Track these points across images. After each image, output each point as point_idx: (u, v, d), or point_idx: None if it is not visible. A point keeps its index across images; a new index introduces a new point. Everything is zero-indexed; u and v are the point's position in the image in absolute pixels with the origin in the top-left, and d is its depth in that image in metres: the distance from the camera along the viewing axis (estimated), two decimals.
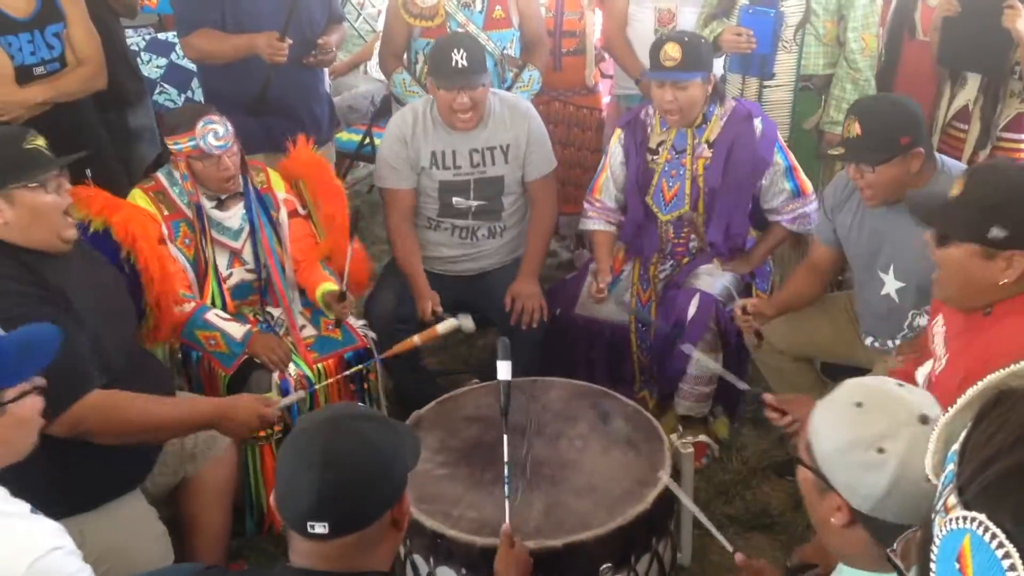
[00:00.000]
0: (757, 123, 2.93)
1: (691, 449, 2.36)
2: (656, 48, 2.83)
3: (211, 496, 2.43)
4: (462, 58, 2.83)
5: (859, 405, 1.29)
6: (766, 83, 3.27)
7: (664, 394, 3.10)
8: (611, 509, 2.03)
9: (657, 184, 3.03)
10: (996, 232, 1.70)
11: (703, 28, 3.29)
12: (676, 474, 2.23)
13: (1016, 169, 1.84)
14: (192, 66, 3.84)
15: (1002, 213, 1.70)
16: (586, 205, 3.15)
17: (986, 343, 1.76)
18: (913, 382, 1.95)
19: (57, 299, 2.04)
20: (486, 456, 2.22)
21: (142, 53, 4.27)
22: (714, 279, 3.00)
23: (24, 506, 1.50)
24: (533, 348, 3.06)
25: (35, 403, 1.57)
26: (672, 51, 2.78)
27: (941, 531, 0.67)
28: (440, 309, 2.99)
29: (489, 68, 3.27)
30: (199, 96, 3.79)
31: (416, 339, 2.70)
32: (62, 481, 1.98)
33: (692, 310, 2.91)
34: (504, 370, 2.15)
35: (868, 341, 2.63)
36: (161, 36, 4.35)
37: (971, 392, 0.73)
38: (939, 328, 1.96)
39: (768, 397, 2.16)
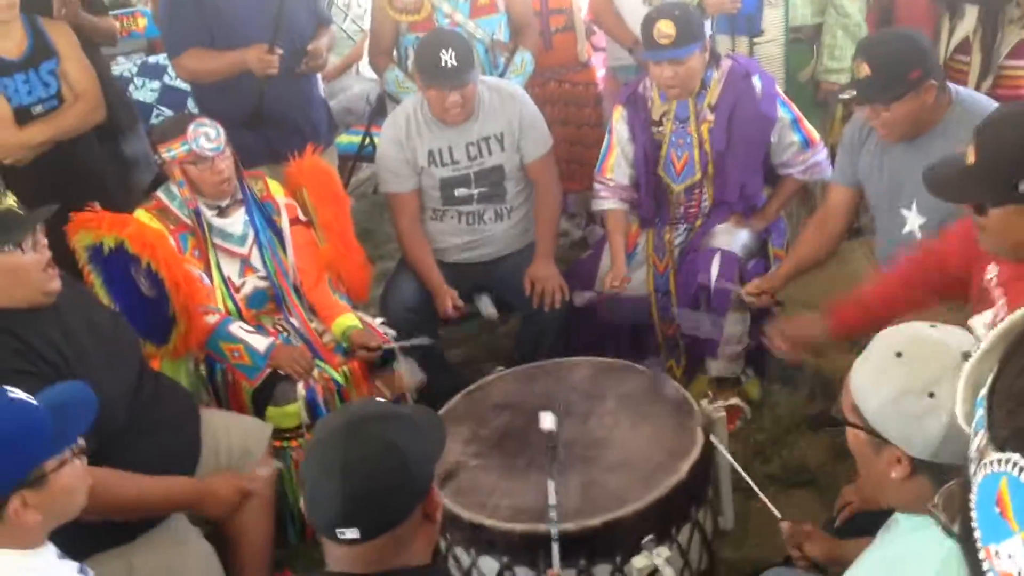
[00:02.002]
0: (755, 80, 2.90)
1: (723, 414, 2.36)
2: (648, 25, 2.78)
3: (251, 508, 2.43)
4: (451, 57, 2.80)
5: (899, 355, 1.29)
6: (756, 40, 3.24)
7: (692, 361, 3.09)
8: (646, 483, 2.03)
9: (667, 155, 3.00)
10: None
11: None
12: (710, 441, 2.23)
13: (1018, 115, 1.79)
14: (186, 86, 3.86)
15: (1022, 166, 1.65)
16: (597, 185, 3.11)
17: None
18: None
19: (50, 359, 1.98)
20: (517, 442, 2.23)
21: (135, 79, 4.29)
22: (732, 236, 2.98)
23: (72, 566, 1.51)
24: (557, 329, 3.06)
25: (76, 469, 1.56)
26: (666, 28, 2.73)
27: (977, 477, 0.67)
28: (460, 303, 3.00)
29: (480, 55, 3.27)
30: None
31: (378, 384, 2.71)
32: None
33: (715, 269, 2.88)
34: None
35: None
36: (152, 60, 4.37)
37: (993, 335, 0.72)
38: (992, 275, 1.91)
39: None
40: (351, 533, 1.32)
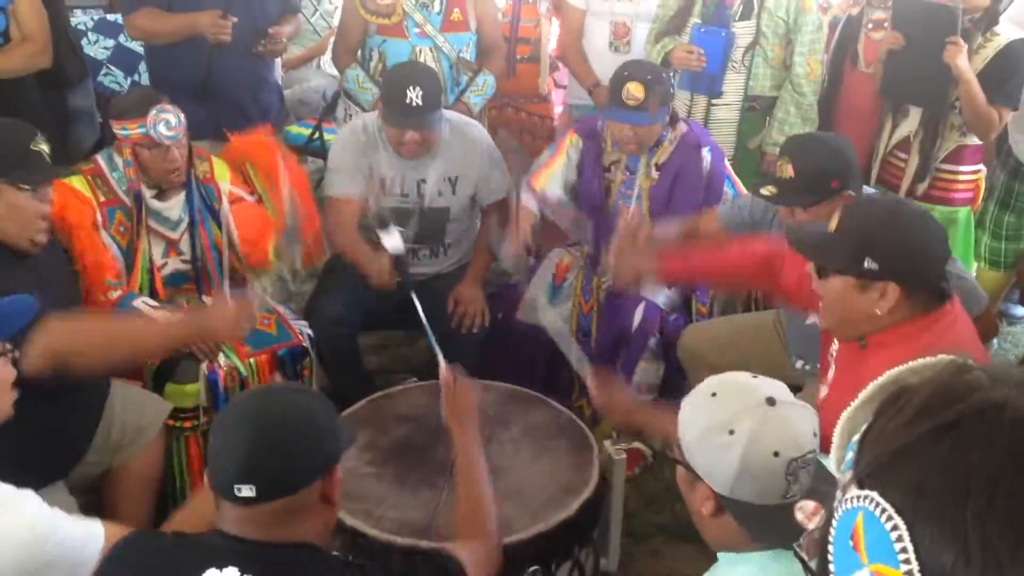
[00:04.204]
0: (705, 153, 2.93)
1: (623, 456, 2.38)
2: (618, 83, 2.78)
3: (136, 487, 2.39)
4: (417, 96, 2.72)
5: (714, 395, 1.43)
6: (714, 102, 3.32)
7: None
8: (535, 515, 2.04)
9: (615, 203, 3.03)
10: (869, 264, 1.77)
11: (654, 44, 3.33)
12: (605, 481, 2.25)
13: (889, 203, 1.94)
14: (140, 50, 3.78)
15: (873, 246, 1.77)
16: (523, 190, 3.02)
17: (861, 376, 1.80)
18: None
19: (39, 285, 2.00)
20: (414, 457, 2.22)
21: (89, 33, 4.18)
22: (658, 287, 3.02)
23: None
24: (472, 352, 3.05)
25: (6, 368, 1.57)
26: (635, 91, 2.73)
27: (838, 513, 0.70)
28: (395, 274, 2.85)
29: (444, 71, 3.28)
30: (146, 80, 3.73)
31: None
32: None
33: (637, 318, 2.93)
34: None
35: (799, 364, 2.66)
36: (110, 17, 4.27)
37: (872, 387, 0.77)
38: (834, 353, 2.02)
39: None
40: (247, 490, 1.33)
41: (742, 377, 1.47)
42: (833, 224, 1.85)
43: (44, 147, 2.13)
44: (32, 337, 1.92)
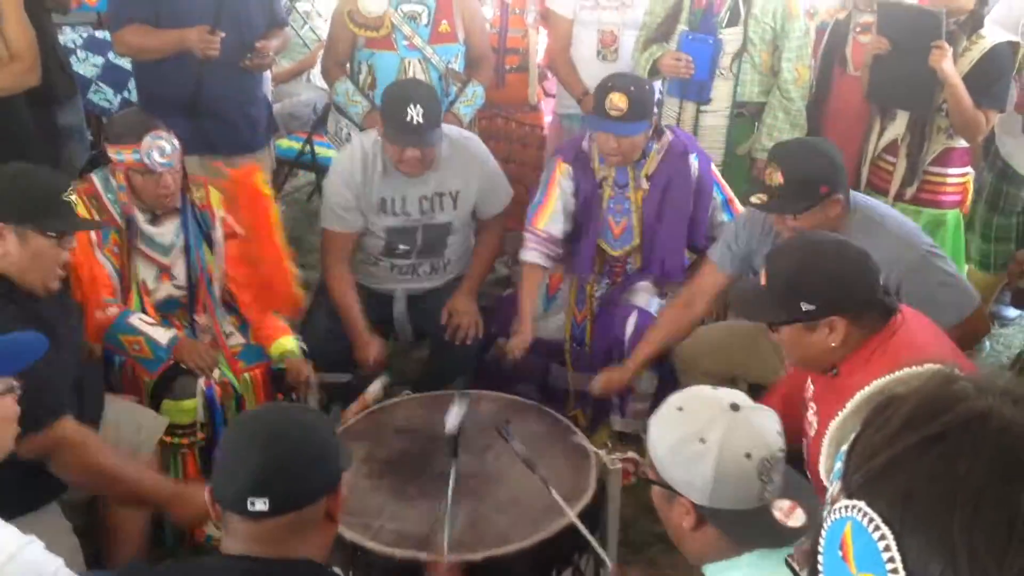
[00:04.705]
0: (692, 160, 2.95)
1: (619, 466, 2.37)
2: (601, 94, 2.80)
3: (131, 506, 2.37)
4: (418, 114, 2.73)
5: (680, 409, 1.48)
6: (703, 108, 3.34)
7: (598, 412, 3.12)
8: (534, 523, 2.03)
9: (604, 220, 3.04)
10: (806, 306, 1.82)
11: (643, 52, 3.35)
12: (603, 490, 2.25)
13: (805, 244, 1.97)
14: (129, 66, 3.78)
15: (802, 290, 1.83)
16: (526, 235, 3.06)
17: (840, 403, 1.82)
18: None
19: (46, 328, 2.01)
20: (412, 468, 2.21)
21: (78, 51, 4.19)
22: (651, 296, 3.03)
23: None
24: (467, 364, 3.06)
25: (11, 405, 1.59)
26: (618, 101, 2.75)
27: (827, 523, 0.71)
28: (382, 356, 2.95)
29: (434, 81, 3.29)
30: (135, 97, 3.73)
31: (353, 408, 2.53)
32: None
33: (630, 328, 2.93)
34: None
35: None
36: (99, 34, 4.28)
37: (859, 397, 0.78)
38: (809, 392, 2.04)
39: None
40: (261, 504, 1.35)
41: (703, 390, 1.54)
42: (762, 280, 1.92)
43: (75, 198, 2.17)
44: (46, 428, 1.96)
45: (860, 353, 1.85)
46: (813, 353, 1.89)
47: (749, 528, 1.41)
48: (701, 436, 1.41)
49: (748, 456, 1.40)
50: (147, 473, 2.20)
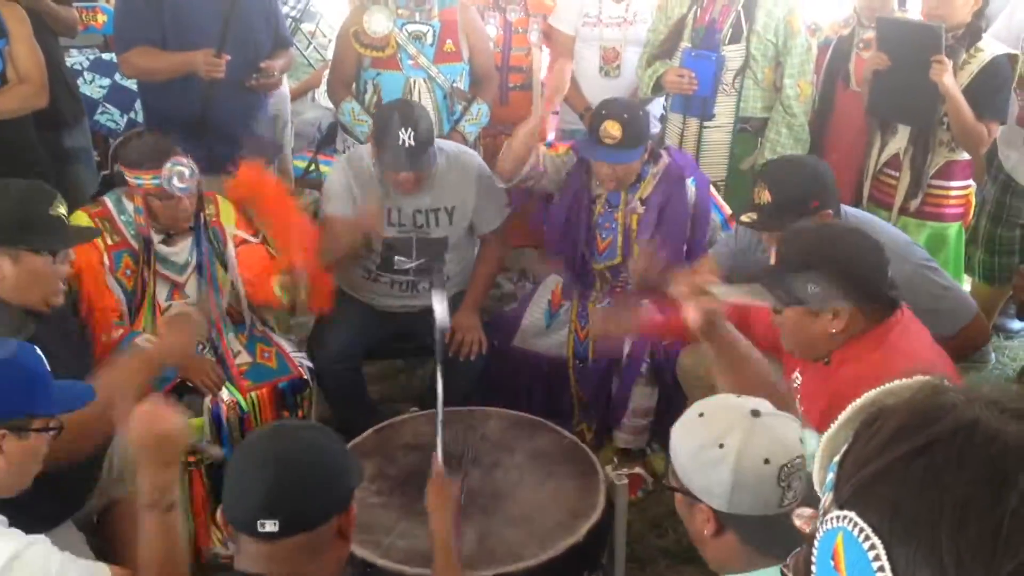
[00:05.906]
0: (690, 184, 2.96)
1: (625, 481, 2.38)
2: (596, 121, 2.81)
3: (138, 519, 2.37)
4: (410, 137, 2.72)
5: (701, 415, 1.49)
6: (706, 124, 3.35)
7: (602, 428, 3.13)
8: (543, 541, 2.04)
9: (592, 233, 3.04)
10: (812, 289, 1.82)
11: (646, 68, 3.37)
12: (610, 506, 2.25)
13: (819, 228, 1.99)
14: (136, 87, 3.81)
15: (811, 272, 1.83)
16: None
17: (831, 391, 1.85)
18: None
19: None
20: (422, 485, 2.20)
21: (85, 73, 4.23)
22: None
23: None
24: (471, 379, 3.06)
25: (45, 442, 1.61)
26: (612, 129, 2.76)
27: (819, 533, 0.72)
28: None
29: (438, 100, 3.31)
30: (141, 117, 3.76)
31: None
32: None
33: (627, 345, 2.94)
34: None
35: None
36: (105, 56, 4.31)
37: (851, 408, 0.79)
38: (796, 384, 2.05)
39: None
40: (271, 525, 1.35)
41: (727, 397, 1.55)
42: (773, 260, 1.93)
43: (63, 210, 2.12)
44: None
45: (855, 345, 1.85)
46: (812, 339, 1.89)
47: (769, 536, 1.39)
48: (720, 441, 1.42)
49: (767, 462, 1.40)
50: (115, 370, 2.10)
